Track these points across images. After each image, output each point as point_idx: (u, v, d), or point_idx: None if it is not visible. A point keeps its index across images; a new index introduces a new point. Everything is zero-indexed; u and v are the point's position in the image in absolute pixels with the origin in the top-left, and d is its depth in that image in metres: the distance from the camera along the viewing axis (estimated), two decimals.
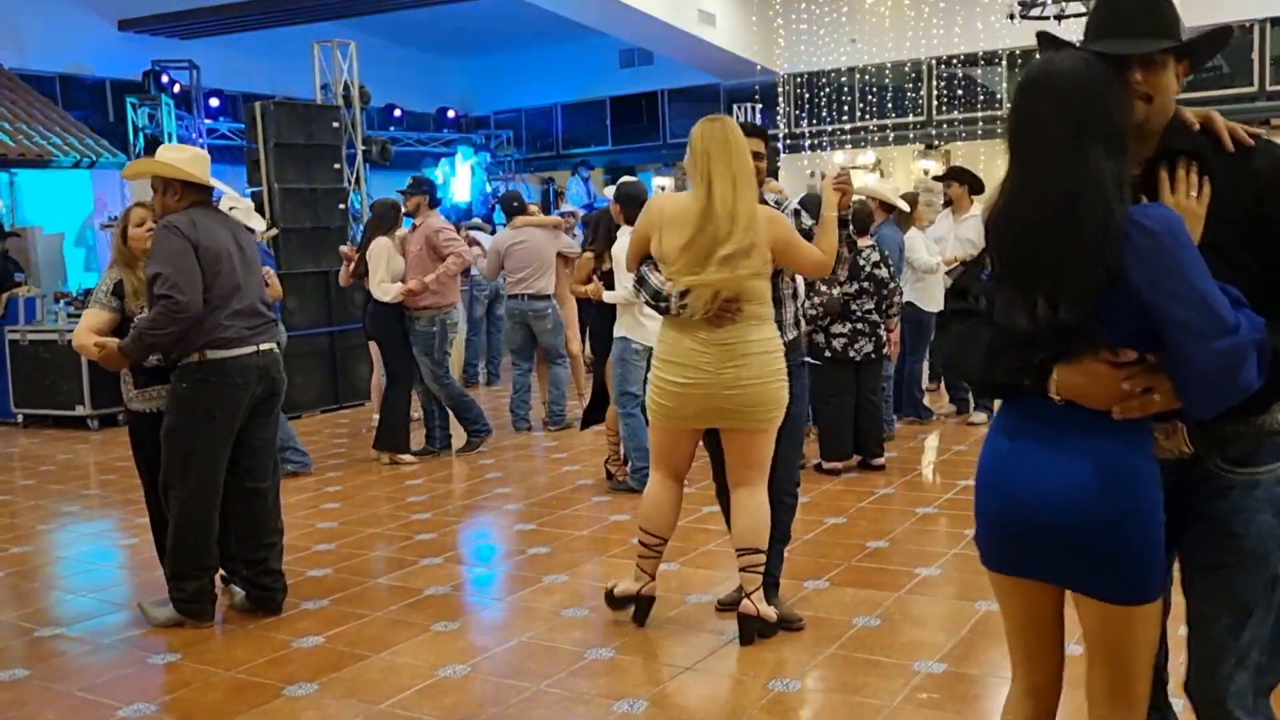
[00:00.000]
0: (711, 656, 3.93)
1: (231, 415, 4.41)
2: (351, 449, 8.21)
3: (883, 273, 6.67)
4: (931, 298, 7.92)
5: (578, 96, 22.42)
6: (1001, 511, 2.10)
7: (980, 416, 8.14)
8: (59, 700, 3.81)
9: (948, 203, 8.49)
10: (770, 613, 4.01)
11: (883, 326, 6.74)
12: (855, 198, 7.25)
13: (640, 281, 3.99)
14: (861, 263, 6.59)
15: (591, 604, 4.54)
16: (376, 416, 7.94)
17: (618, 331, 6.19)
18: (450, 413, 7.75)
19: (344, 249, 8.21)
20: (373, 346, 8.28)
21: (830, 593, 4.55)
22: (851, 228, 6.77)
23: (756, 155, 5.90)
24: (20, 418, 9.94)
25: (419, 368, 7.47)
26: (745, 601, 3.97)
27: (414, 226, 7.52)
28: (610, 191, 6.54)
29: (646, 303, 4.01)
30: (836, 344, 6.59)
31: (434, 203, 7.67)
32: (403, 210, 7.65)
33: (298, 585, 4.91)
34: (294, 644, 4.20)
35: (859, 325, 6.62)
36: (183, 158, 4.49)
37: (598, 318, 6.88)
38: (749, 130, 4.41)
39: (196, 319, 4.24)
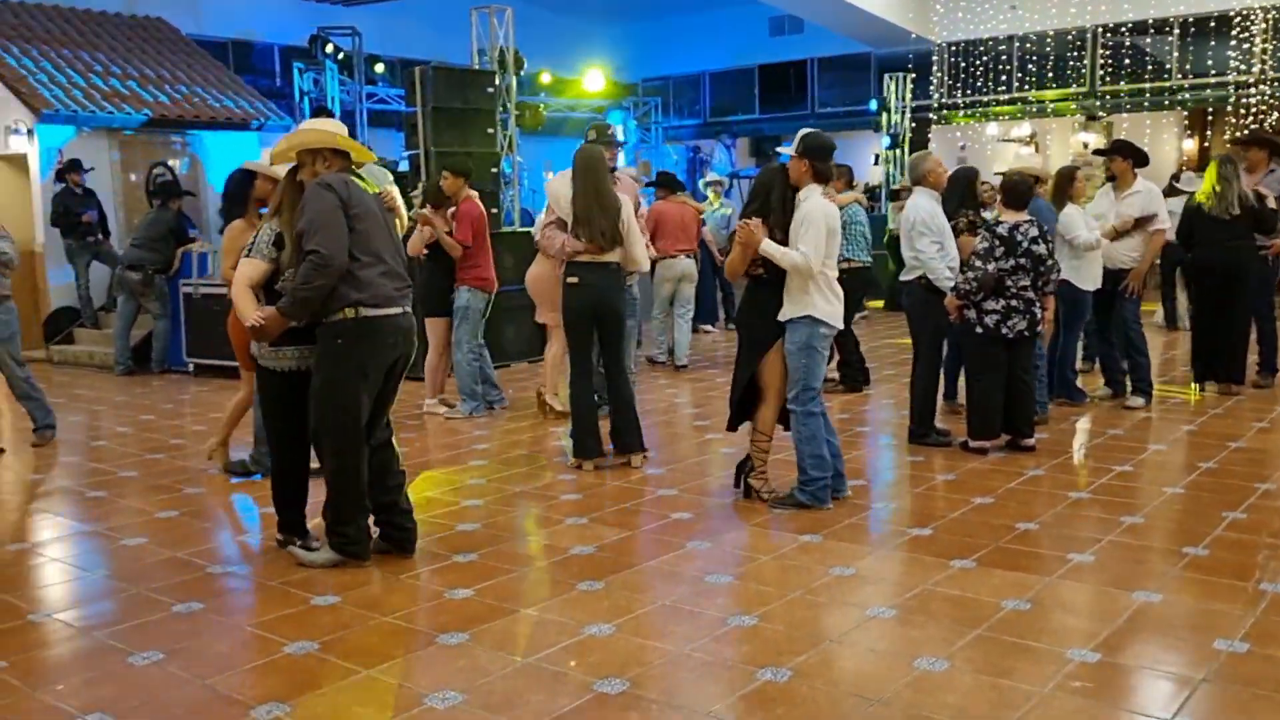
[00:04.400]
0: (856, 630, 3.92)
1: (379, 371, 4.63)
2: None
3: (1040, 248, 6.44)
4: (1088, 275, 7.63)
5: (726, 64, 22.29)
6: None
7: (1138, 400, 7.83)
8: (230, 633, 4.04)
9: (1110, 178, 8.14)
10: None
11: (1038, 304, 6.52)
12: (1013, 169, 7.04)
13: None
14: (1019, 238, 6.38)
15: (734, 571, 4.57)
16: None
17: (800, 311, 5.28)
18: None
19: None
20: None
21: (977, 573, 4.47)
22: (999, 203, 6.61)
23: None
24: (191, 366, 10.52)
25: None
26: None
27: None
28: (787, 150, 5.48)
29: None
30: (989, 320, 6.42)
31: None
32: None
33: (449, 538, 5.09)
34: (446, 594, 4.35)
35: (1013, 302, 6.42)
36: (324, 127, 4.75)
37: (756, 291, 5.54)
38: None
39: (344, 273, 4.43)
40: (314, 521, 4.94)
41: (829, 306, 5.33)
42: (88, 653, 3.89)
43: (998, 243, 6.36)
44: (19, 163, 12.43)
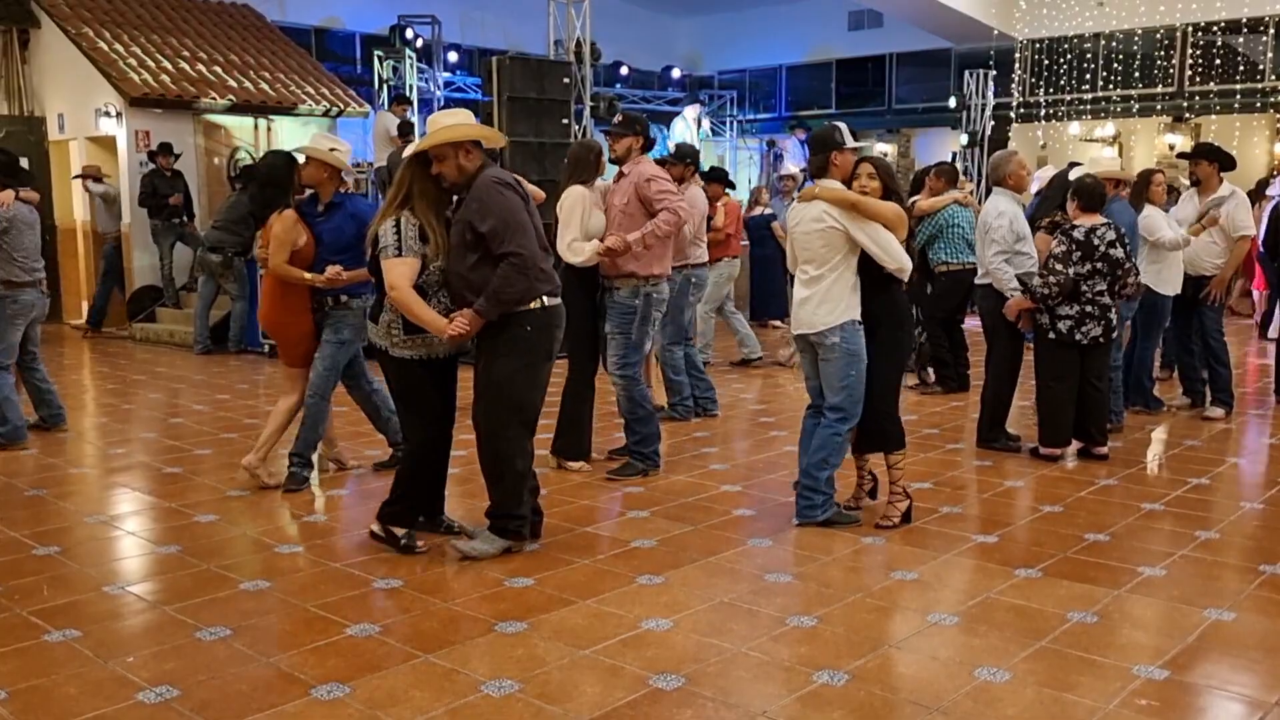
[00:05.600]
0: (916, 636, 3.87)
1: (555, 357, 4.75)
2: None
3: (1117, 252, 6.27)
4: (1167, 280, 7.45)
5: (803, 58, 22.11)
6: None
7: (1217, 411, 7.63)
8: (295, 613, 4.11)
9: (1195, 182, 7.91)
10: None
11: (1113, 309, 6.37)
12: (1083, 173, 6.84)
13: None
14: (1095, 242, 6.23)
15: (795, 570, 4.54)
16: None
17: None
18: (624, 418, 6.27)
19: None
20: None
21: (1043, 583, 4.39)
22: (1074, 206, 6.43)
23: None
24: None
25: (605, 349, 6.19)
26: None
27: (619, 175, 6.18)
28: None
29: None
30: (1062, 326, 6.29)
31: (648, 146, 6.30)
32: (604, 155, 6.25)
33: None
34: (506, 583, 4.39)
35: (1088, 308, 6.27)
36: (462, 119, 4.58)
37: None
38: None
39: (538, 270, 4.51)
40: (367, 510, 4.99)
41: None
42: (158, 626, 3.99)
43: (1074, 247, 6.22)
44: (109, 144, 12.77)
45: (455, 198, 4.60)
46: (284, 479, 5.84)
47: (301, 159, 5.72)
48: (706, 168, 10.08)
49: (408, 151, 4.67)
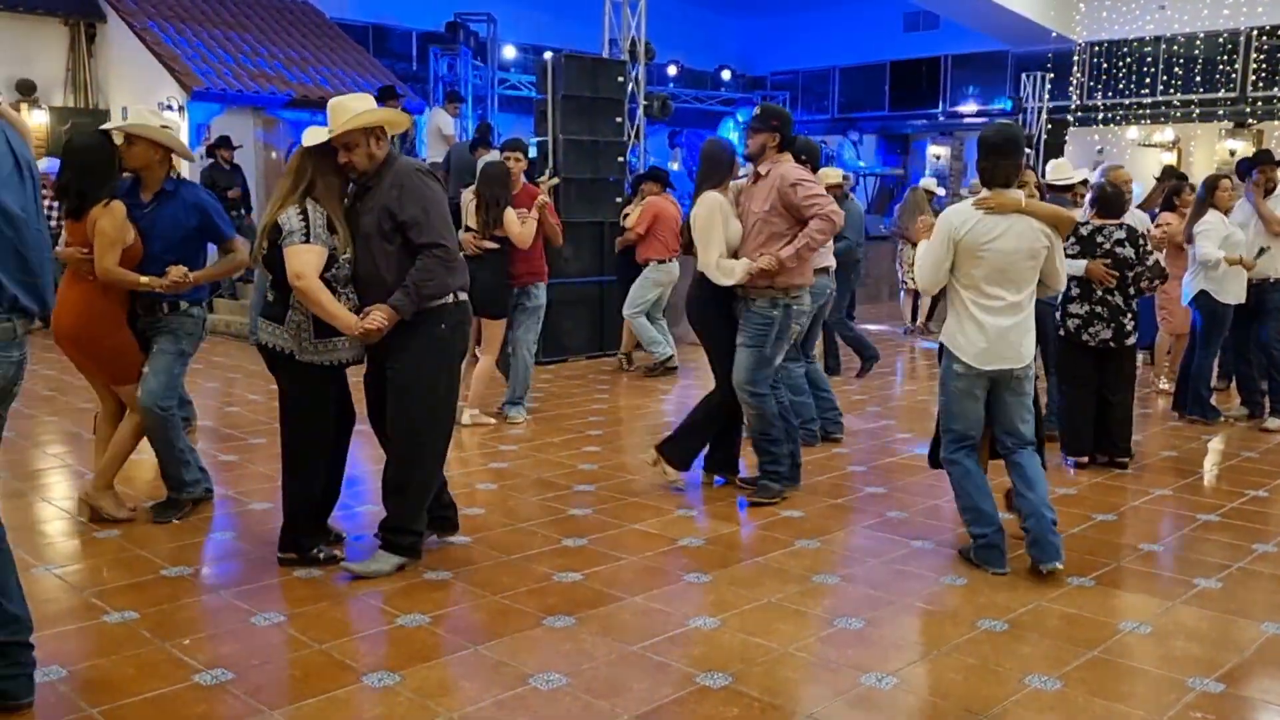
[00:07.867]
0: (966, 641, 3.84)
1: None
2: (613, 395, 8.47)
3: (1126, 251, 6.17)
4: (1229, 289, 7.34)
5: (857, 60, 21.98)
6: None
7: (1276, 422, 7.48)
8: (347, 601, 4.17)
9: (1271, 189, 7.75)
10: None
11: (1127, 314, 6.27)
12: (1094, 181, 6.75)
13: None
14: (1100, 240, 6.16)
15: (842, 572, 4.53)
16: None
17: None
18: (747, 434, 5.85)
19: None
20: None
21: (1096, 592, 4.34)
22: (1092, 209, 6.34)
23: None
24: None
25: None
26: None
27: (756, 176, 5.55)
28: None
29: None
30: (1071, 324, 6.25)
31: (787, 143, 5.53)
32: (738, 157, 5.77)
33: (559, 522, 5.16)
34: (554, 578, 4.41)
35: (1097, 308, 6.20)
36: (368, 104, 4.30)
37: None
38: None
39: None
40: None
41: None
42: (214, 610, 4.06)
43: (1072, 240, 6.17)
44: None
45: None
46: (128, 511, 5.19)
47: (119, 139, 4.89)
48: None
49: (309, 140, 4.30)
